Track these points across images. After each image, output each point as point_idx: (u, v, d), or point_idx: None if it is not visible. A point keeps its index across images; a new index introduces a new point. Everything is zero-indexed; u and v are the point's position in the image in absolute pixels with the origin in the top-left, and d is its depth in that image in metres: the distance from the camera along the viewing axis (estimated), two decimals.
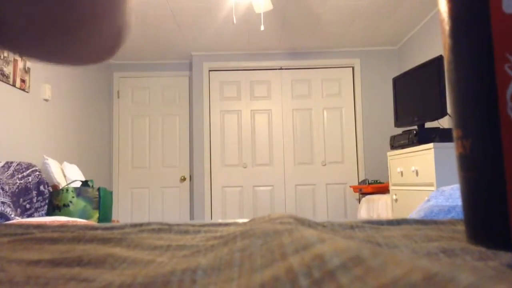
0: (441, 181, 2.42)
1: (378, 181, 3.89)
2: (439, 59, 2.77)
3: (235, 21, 3.11)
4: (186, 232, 0.46)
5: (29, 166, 2.62)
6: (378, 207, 3.42)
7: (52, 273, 0.25)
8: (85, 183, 2.79)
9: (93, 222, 2.44)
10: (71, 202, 2.56)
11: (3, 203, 2.21)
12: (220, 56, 4.51)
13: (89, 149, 4.06)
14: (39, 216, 2.50)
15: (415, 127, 2.99)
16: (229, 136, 4.47)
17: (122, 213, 4.55)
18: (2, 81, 2.68)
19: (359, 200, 4.17)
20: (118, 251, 0.32)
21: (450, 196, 0.85)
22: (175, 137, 4.65)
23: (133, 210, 4.59)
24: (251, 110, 4.50)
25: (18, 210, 2.36)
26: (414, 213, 0.87)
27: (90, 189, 2.67)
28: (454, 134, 0.34)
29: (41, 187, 2.61)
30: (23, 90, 2.92)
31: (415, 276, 0.14)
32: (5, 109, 2.72)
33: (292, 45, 4.37)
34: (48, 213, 2.56)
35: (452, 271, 0.14)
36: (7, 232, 0.47)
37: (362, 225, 0.47)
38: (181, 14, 3.52)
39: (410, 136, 2.82)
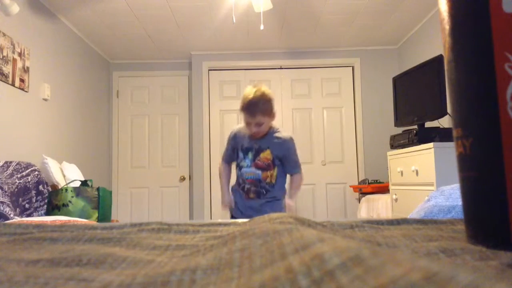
0: (441, 181, 2.41)
1: (378, 181, 3.89)
2: (439, 58, 2.76)
3: (234, 21, 3.11)
4: (186, 232, 0.46)
5: (28, 165, 2.62)
6: (378, 207, 3.42)
7: (51, 273, 0.25)
8: (84, 183, 2.79)
9: (92, 221, 2.44)
10: (70, 201, 2.56)
11: (2, 202, 2.21)
12: (220, 56, 4.51)
13: (89, 149, 4.06)
14: (38, 216, 2.50)
15: (415, 126, 2.99)
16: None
17: (121, 213, 4.55)
18: (2, 80, 2.68)
19: (359, 200, 4.17)
20: (117, 250, 0.32)
21: (450, 196, 0.85)
22: (175, 137, 4.65)
23: (132, 210, 4.59)
24: None
25: (18, 209, 2.36)
26: (414, 213, 0.87)
27: (89, 189, 2.66)
28: (454, 133, 0.34)
29: (40, 187, 2.60)
30: (22, 89, 2.91)
31: (414, 276, 0.14)
32: (4, 109, 2.72)
33: (291, 44, 4.36)
34: (47, 213, 2.55)
35: (452, 270, 0.14)
36: (6, 232, 0.47)
37: (362, 225, 0.47)
38: (180, 13, 3.51)
39: (410, 135, 2.82)
